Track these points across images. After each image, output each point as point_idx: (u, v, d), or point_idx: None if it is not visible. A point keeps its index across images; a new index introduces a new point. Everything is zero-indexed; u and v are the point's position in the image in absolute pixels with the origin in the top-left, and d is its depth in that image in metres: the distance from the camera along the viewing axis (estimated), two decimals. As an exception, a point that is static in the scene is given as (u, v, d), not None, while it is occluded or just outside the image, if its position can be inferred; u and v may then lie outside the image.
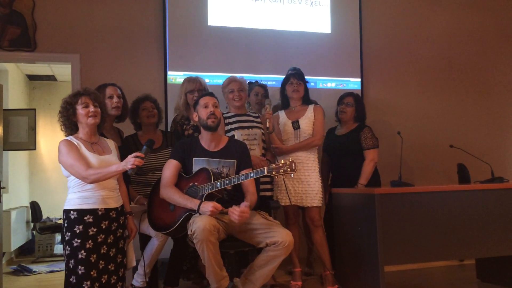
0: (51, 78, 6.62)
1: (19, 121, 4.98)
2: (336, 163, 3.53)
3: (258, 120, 3.23)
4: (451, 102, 4.94)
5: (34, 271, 4.50)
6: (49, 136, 6.48)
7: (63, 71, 6.00)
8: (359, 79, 4.63)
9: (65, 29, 4.00)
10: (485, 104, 5.06)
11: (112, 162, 2.33)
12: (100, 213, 2.28)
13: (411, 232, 2.82)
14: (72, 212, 2.25)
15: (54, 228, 5.46)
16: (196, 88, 3.30)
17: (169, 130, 3.60)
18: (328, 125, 3.69)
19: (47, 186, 6.49)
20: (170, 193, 2.59)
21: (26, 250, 5.68)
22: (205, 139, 2.74)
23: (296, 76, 3.30)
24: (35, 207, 5.62)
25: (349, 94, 3.62)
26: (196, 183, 2.60)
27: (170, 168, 2.67)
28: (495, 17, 5.16)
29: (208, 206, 2.44)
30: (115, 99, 2.87)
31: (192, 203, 2.51)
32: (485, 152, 4.37)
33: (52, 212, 6.04)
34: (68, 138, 2.33)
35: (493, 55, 5.14)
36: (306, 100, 3.35)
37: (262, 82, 3.90)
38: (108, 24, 4.09)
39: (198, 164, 2.68)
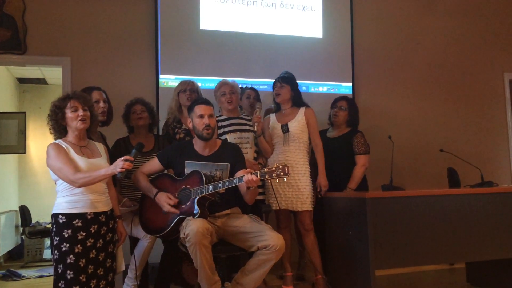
0: (41, 81, 6.56)
1: (9, 125, 4.94)
2: (326, 165, 3.50)
3: (251, 123, 3.23)
4: (442, 106, 4.98)
5: (23, 276, 4.43)
6: (39, 139, 6.40)
7: (53, 74, 5.96)
8: (350, 84, 4.66)
9: (56, 32, 3.97)
10: (475, 108, 5.11)
11: (101, 166, 2.30)
12: (89, 217, 2.26)
13: (402, 236, 2.83)
14: (60, 216, 2.23)
15: (43, 232, 5.38)
16: (188, 87, 3.30)
17: (160, 133, 3.59)
18: (320, 129, 3.68)
19: (37, 190, 6.41)
20: (139, 178, 2.73)
21: (15, 254, 5.61)
22: (198, 145, 2.75)
23: (279, 79, 3.29)
24: (24, 211, 5.54)
25: (343, 98, 3.63)
26: (188, 186, 2.59)
27: (152, 164, 2.78)
28: (484, 23, 5.22)
29: (162, 197, 2.59)
30: (101, 104, 2.85)
31: (151, 192, 2.65)
32: (475, 156, 4.40)
33: (42, 216, 5.97)
34: (57, 141, 2.31)
35: (483, 61, 5.19)
36: (296, 102, 3.32)
37: (253, 87, 3.90)
38: (99, 27, 4.07)
39: (190, 167, 2.68)
